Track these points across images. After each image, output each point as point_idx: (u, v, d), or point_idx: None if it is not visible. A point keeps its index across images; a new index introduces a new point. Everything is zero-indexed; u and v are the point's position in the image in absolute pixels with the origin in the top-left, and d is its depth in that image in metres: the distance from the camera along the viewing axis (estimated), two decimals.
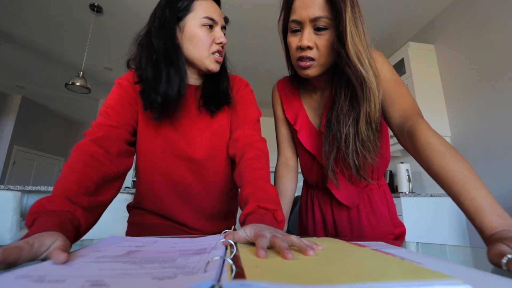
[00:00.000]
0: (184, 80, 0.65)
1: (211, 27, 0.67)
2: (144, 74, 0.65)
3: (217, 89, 0.72)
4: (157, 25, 0.65)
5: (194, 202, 0.72)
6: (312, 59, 0.62)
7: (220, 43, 0.68)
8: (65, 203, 0.44)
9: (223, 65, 0.74)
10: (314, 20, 0.59)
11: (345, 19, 0.56)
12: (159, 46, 0.64)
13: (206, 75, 0.74)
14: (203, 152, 0.70)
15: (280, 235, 0.33)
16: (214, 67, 0.69)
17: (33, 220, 0.40)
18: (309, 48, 0.61)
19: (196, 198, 0.71)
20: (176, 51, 0.66)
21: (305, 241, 0.33)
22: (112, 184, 0.58)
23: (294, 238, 0.33)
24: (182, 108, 0.70)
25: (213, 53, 0.68)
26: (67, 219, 0.41)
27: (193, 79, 0.73)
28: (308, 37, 0.60)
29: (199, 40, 0.66)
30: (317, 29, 0.60)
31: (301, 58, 0.63)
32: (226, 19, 0.70)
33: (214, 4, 0.70)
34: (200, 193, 0.72)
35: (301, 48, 0.62)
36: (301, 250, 0.30)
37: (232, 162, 0.75)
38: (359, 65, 0.57)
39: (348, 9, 0.56)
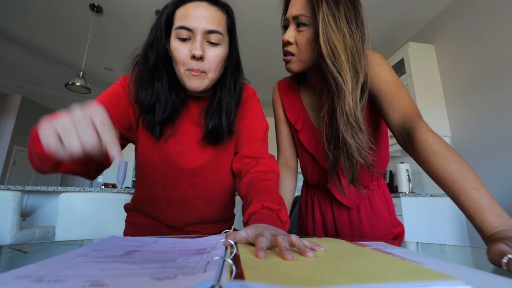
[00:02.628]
0: (169, 106, 0.62)
1: (186, 38, 0.57)
2: (139, 93, 0.62)
3: (219, 125, 0.66)
4: (147, 44, 0.61)
5: (193, 213, 0.71)
6: (292, 54, 0.65)
7: (193, 56, 0.57)
8: None
9: (223, 79, 0.67)
10: (295, 18, 0.63)
11: (318, 18, 0.58)
12: (150, 66, 0.60)
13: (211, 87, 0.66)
14: (202, 163, 0.69)
15: (281, 234, 0.33)
16: (192, 84, 0.59)
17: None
18: (290, 43, 0.64)
19: (195, 210, 0.71)
20: (162, 72, 0.61)
21: (306, 241, 0.33)
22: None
23: (294, 238, 0.33)
24: (182, 119, 0.69)
25: (188, 69, 0.58)
26: None
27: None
28: (289, 33, 0.64)
29: (174, 56, 0.58)
30: (298, 26, 0.63)
31: (284, 53, 0.67)
32: None
33: (197, 6, 0.57)
34: (199, 205, 0.71)
35: (284, 43, 0.66)
36: (300, 251, 0.30)
37: (234, 175, 0.73)
38: (330, 64, 0.57)
39: (324, 7, 0.57)
